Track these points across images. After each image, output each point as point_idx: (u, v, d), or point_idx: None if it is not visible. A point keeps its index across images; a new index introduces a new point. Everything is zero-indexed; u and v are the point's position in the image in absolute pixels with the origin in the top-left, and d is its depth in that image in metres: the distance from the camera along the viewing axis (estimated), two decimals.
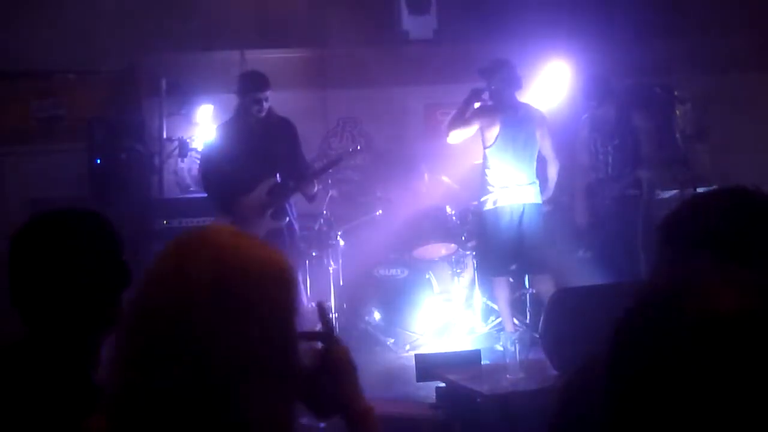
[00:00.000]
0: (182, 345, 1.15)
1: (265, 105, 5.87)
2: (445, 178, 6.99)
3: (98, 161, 7.06)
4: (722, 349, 0.95)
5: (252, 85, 5.89)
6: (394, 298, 6.52)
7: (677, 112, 7.52)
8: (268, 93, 5.87)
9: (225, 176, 5.85)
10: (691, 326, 0.97)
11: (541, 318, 4.78)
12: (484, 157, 6.11)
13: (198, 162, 7.31)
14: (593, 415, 1.08)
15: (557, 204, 6.59)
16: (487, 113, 6.08)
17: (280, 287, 1.22)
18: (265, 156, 5.90)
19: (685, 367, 0.95)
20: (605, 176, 6.33)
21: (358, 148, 6.87)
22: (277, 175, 5.95)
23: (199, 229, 1.28)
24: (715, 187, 5.82)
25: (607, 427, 1.02)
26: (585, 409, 1.34)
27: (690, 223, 1.84)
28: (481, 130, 6.06)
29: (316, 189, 6.08)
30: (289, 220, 5.98)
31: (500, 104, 6.07)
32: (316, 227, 6.59)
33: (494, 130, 6.01)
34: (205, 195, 6.21)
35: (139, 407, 1.15)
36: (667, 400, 0.96)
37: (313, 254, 6.54)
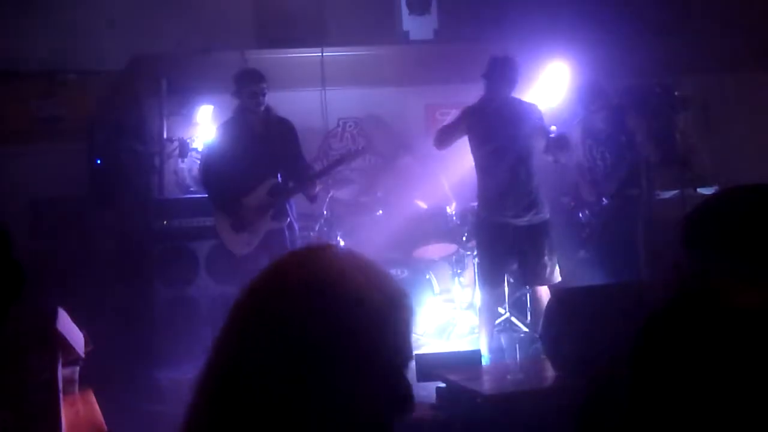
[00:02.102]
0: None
1: (262, 99, 5.88)
2: (443, 179, 6.99)
3: (98, 161, 7.07)
4: (754, 349, 0.95)
5: (247, 79, 5.91)
6: None
7: (677, 112, 7.52)
8: (265, 86, 5.88)
9: (226, 177, 5.86)
10: (722, 328, 0.97)
11: (542, 318, 4.78)
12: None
13: (198, 162, 7.31)
14: (620, 419, 1.07)
15: (558, 205, 6.57)
16: (468, 114, 5.82)
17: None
18: (266, 156, 5.91)
19: (718, 367, 0.95)
20: (601, 179, 6.28)
21: (360, 148, 6.87)
22: (278, 176, 5.96)
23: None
24: (720, 187, 5.81)
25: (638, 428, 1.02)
26: (612, 416, 1.34)
27: (713, 224, 1.84)
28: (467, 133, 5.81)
29: (317, 189, 6.09)
30: (290, 221, 5.99)
31: (488, 103, 5.78)
32: (317, 228, 6.59)
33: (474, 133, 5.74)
34: (206, 195, 6.22)
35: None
36: (699, 400, 0.96)
37: None
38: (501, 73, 5.80)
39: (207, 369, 1.13)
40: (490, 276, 5.77)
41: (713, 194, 2.02)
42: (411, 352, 1.12)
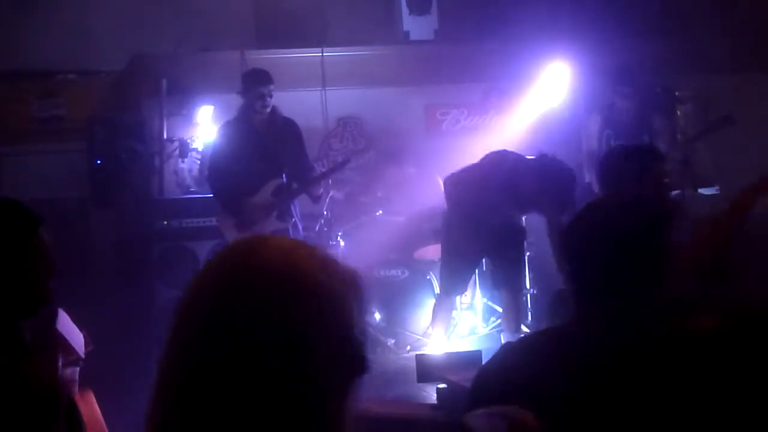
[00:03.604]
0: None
1: (269, 101, 5.90)
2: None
3: (98, 161, 7.06)
4: (700, 367, 0.96)
5: (256, 80, 5.92)
6: (395, 298, 6.51)
7: (678, 113, 7.51)
8: (272, 87, 5.89)
9: (230, 176, 5.86)
10: (669, 347, 0.98)
11: (546, 318, 4.78)
12: None
13: (198, 162, 7.31)
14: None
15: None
16: None
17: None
18: (270, 156, 5.92)
19: (663, 383, 0.97)
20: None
21: (363, 148, 6.88)
22: (283, 176, 5.98)
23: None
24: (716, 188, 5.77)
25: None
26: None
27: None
28: None
29: (321, 190, 6.12)
30: (294, 221, 6.01)
31: None
32: (317, 228, 6.59)
33: None
34: (209, 195, 6.23)
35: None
36: (644, 419, 0.97)
37: None
38: None
39: (164, 381, 1.11)
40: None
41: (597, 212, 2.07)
42: (365, 323, 1.14)
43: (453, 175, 5.61)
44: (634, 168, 3.15)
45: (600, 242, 1.98)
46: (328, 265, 1.13)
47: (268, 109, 5.93)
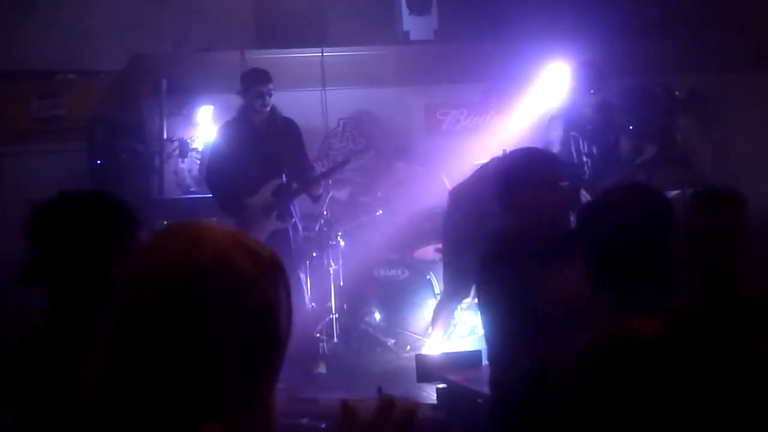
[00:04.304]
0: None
1: (269, 99, 5.89)
2: (445, 178, 6.99)
3: (98, 161, 7.06)
4: (640, 375, 0.96)
5: (255, 79, 5.92)
6: (395, 298, 6.51)
7: (677, 112, 7.52)
8: (272, 86, 5.89)
9: (230, 176, 5.86)
10: (610, 354, 0.98)
11: None
12: None
13: (198, 162, 7.31)
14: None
15: None
16: None
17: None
18: (270, 157, 5.92)
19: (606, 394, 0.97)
20: (583, 182, 5.76)
21: (364, 148, 6.88)
22: (283, 176, 5.98)
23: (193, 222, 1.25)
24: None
25: None
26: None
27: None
28: None
29: (321, 190, 6.12)
30: (294, 221, 6.01)
31: None
32: (317, 228, 6.59)
33: None
34: (208, 195, 6.23)
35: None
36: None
37: (314, 255, 6.54)
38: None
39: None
40: None
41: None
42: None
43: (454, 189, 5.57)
44: (530, 173, 3.13)
45: (616, 229, 2.04)
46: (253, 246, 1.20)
47: (268, 108, 5.92)
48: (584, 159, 5.94)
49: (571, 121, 5.91)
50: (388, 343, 6.40)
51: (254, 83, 5.89)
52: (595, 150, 5.89)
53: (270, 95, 5.89)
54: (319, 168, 6.94)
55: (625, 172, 5.91)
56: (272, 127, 5.98)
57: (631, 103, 6.70)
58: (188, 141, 7.46)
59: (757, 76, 8.01)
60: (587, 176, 5.84)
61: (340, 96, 7.80)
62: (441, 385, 4.62)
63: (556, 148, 5.86)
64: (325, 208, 6.59)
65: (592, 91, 5.86)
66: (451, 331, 6.53)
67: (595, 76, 5.90)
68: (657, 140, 6.60)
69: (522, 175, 3.04)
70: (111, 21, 7.55)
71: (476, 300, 4.48)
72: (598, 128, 5.89)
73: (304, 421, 4.78)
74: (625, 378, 0.96)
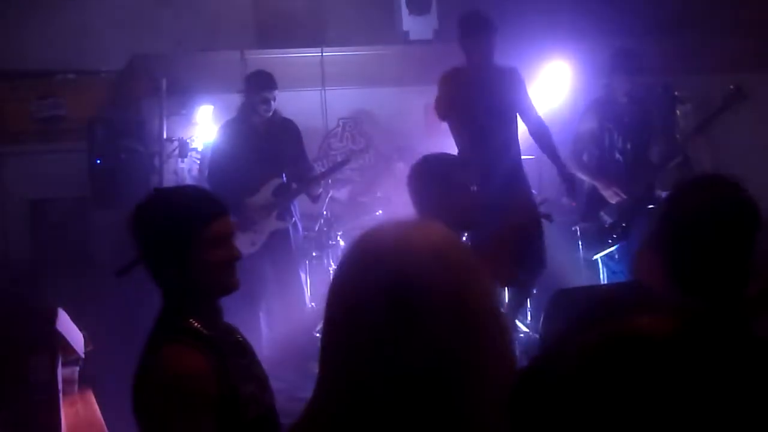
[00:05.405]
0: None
1: (273, 105, 5.93)
2: None
3: (98, 161, 7.06)
4: (650, 374, 0.95)
5: (262, 83, 5.94)
6: None
7: (677, 112, 7.51)
8: (276, 93, 5.92)
9: (230, 176, 5.87)
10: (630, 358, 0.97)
11: (541, 319, 4.78)
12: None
13: (198, 162, 7.31)
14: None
15: (556, 207, 6.52)
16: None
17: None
18: (270, 157, 5.94)
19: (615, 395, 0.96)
20: (616, 180, 5.70)
21: (363, 148, 6.88)
22: (283, 176, 6.00)
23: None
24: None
25: None
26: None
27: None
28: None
29: (320, 190, 6.13)
30: (294, 221, 6.02)
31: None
32: (317, 228, 6.60)
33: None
34: None
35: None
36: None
37: (314, 255, 6.55)
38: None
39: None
40: None
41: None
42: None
43: None
44: (440, 175, 3.17)
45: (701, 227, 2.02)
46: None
47: (270, 113, 5.96)
48: (617, 156, 5.81)
49: (608, 112, 5.74)
50: None
51: (262, 88, 5.91)
52: (629, 146, 5.75)
53: (274, 100, 5.93)
54: (318, 168, 6.95)
55: (658, 177, 5.77)
56: (272, 127, 6.00)
57: (653, 101, 6.63)
58: (188, 141, 7.46)
59: (758, 77, 8.01)
60: (623, 172, 5.66)
61: (339, 96, 7.80)
62: None
63: (585, 142, 5.76)
64: (324, 208, 6.60)
65: (634, 75, 5.66)
66: None
67: (632, 64, 5.71)
68: (657, 141, 6.58)
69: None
70: (111, 21, 7.55)
71: None
72: (634, 124, 5.73)
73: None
74: (631, 378, 0.96)
